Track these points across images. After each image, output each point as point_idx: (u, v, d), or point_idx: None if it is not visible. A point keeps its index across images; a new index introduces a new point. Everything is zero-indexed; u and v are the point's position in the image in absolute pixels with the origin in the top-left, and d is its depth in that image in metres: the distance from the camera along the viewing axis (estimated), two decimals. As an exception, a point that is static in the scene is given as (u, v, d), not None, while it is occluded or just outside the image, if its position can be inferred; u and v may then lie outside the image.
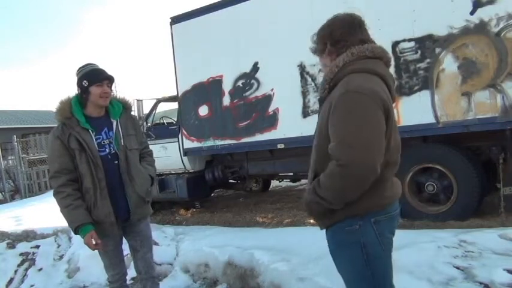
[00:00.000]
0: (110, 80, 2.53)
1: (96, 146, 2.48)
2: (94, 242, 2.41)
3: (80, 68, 2.55)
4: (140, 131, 2.79)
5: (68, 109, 2.48)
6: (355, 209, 1.58)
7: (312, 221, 5.36)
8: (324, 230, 1.75)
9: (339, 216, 1.62)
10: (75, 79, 2.54)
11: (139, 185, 2.58)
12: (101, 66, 2.60)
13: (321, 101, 1.72)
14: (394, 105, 1.68)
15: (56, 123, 2.55)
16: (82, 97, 2.52)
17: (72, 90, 2.62)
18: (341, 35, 1.65)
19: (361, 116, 1.50)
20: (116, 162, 2.54)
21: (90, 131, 2.48)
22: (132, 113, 2.87)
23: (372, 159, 1.47)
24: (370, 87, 1.53)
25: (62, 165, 2.44)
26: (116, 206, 2.52)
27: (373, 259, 1.62)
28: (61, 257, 4.96)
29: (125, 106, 2.68)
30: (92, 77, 2.48)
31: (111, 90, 2.57)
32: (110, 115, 2.59)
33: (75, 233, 2.46)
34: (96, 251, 2.61)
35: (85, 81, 2.47)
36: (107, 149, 2.53)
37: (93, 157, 2.45)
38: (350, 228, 1.61)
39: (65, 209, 2.43)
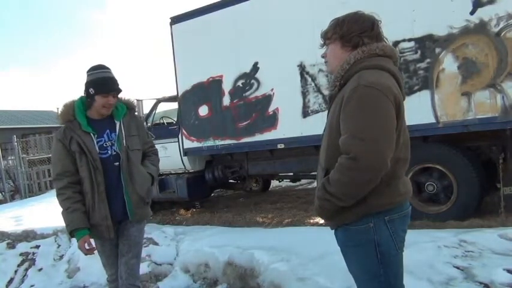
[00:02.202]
0: (117, 91, 2.53)
1: (97, 149, 2.49)
2: (87, 247, 2.44)
3: (91, 70, 2.53)
4: (144, 131, 2.79)
5: (70, 112, 2.50)
6: (368, 207, 1.57)
7: (311, 221, 5.36)
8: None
9: (352, 215, 1.60)
10: (84, 77, 2.54)
11: (139, 185, 2.57)
12: (110, 69, 2.57)
13: (331, 98, 1.71)
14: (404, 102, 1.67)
15: (57, 123, 2.57)
16: (87, 100, 2.53)
17: (74, 91, 2.63)
18: (356, 33, 1.65)
19: (373, 110, 1.50)
20: (117, 163, 2.54)
21: (91, 134, 2.49)
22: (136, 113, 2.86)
23: (382, 152, 1.47)
24: (381, 82, 1.54)
25: (63, 168, 2.46)
26: (114, 207, 2.53)
27: (387, 258, 1.61)
28: (61, 257, 4.96)
29: (129, 107, 2.69)
30: (99, 87, 2.47)
31: (117, 99, 2.57)
32: (113, 116, 2.60)
33: (71, 236, 2.52)
34: (96, 250, 2.62)
35: (91, 89, 2.47)
36: (109, 151, 2.53)
37: (93, 160, 2.46)
38: (363, 226, 1.60)
39: (64, 212, 2.47)
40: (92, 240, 2.53)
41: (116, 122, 2.59)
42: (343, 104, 1.56)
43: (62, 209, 2.49)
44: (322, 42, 1.78)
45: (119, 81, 2.55)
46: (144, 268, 3.99)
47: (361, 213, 1.59)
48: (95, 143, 2.49)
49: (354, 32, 1.65)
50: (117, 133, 2.56)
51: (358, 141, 1.47)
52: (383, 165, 1.47)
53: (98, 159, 2.47)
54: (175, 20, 6.38)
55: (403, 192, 1.66)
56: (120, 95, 2.64)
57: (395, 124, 1.54)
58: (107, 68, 2.56)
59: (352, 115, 1.52)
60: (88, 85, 2.49)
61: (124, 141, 2.56)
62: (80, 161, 2.46)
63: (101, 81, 2.48)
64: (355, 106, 1.52)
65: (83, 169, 2.46)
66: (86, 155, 2.45)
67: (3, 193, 12.05)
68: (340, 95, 1.62)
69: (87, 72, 2.53)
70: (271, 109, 5.53)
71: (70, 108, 2.52)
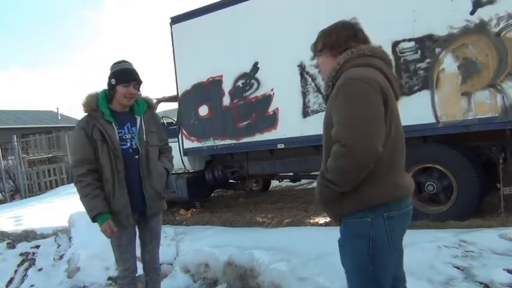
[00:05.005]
0: (138, 82, 2.63)
1: (117, 139, 2.57)
2: (110, 230, 2.50)
3: (113, 64, 2.65)
4: (161, 128, 2.91)
5: (94, 102, 2.59)
6: (366, 198, 1.61)
7: (311, 221, 5.37)
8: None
9: (350, 206, 1.64)
10: (108, 73, 2.64)
11: (156, 181, 2.68)
12: (131, 63, 2.68)
13: (326, 97, 1.79)
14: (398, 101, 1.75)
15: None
16: (110, 92, 2.62)
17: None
18: (344, 40, 1.76)
19: (359, 99, 1.57)
20: (137, 157, 2.63)
21: (113, 124, 2.57)
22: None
23: (371, 138, 1.53)
24: (366, 75, 1.62)
25: (83, 156, 2.53)
26: (134, 199, 2.61)
27: (379, 254, 1.63)
28: (61, 257, 4.95)
29: (149, 105, 2.81)
30: (120, 77, 2.57)
31: (138, 91, 2.66)
32: (134, 111, 2.69)
33: (93, 221, 2.53)
34: (110, 244, 2.69)
35: (113, 79, 2.58)
36: (128, 143, 2.61)
37: (114, 149, 2.53)
38: (361, 220, 1.63)
39: (85, 198, 2.52)
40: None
41: (136, 116, 2.68)
42: (333, 99, 1.64)
43: (81, 196, 2.53)
44: (313, 55, 1.89)
45: (140, 75, 2.66)
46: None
47: (358, 203, 1.62)
48: (116, 133, 2.57)
49: (341, 39, 1.76)
50: (137, 128, 2.66)
51: (348, 129, 1.54)
52: (373, 150, 1.52)
53: (119, 149, 2.55)
54: (176, 20, 6.38)
55: (400, 185, 1.68)
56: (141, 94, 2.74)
57: (383, 111, 1.59)
58: (128, 62, 2.68)
59: (341, 106, 1.60)
60: (110, 77, 2.60)
61: (144, 136, 2.67)
62: (101, 149, 2.53)
63: (122, 72, 2.60)
64: (342, 97, 1.61)
65: (103, 157, 2.52)
66: (107, 144, 2.53)
67: (3, 193, 12.06)
68: (333, 93, 1.70)
69: (111, 67, 2.65)
70: (271, 109, 5.53)
71: (94, 98, 2.60)
